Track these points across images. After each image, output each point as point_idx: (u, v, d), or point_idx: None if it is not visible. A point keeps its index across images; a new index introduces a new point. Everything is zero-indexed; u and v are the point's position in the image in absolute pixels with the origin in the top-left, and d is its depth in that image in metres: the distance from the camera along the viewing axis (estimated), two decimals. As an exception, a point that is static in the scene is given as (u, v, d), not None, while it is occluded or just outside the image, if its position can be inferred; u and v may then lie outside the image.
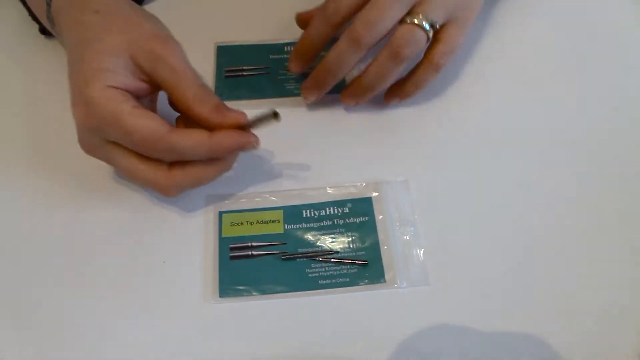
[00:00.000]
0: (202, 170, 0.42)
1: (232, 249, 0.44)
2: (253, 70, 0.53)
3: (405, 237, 0.45)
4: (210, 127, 0.41)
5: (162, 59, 0.41)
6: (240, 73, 0.53)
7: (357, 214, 0.46)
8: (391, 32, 0.45)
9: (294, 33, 0.52)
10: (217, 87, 0.52)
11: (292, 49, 0.50)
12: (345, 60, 0.46)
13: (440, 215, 0.46)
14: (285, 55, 0.54)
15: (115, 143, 0.42)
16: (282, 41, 0.55)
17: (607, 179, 0.47)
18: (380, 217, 0.45)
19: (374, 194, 0.46)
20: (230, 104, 0.45)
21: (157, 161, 0.42)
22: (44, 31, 0.54)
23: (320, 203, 0.46)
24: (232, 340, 0.41)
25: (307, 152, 0.49)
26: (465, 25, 0.48)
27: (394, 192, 0.46)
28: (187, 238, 0.45)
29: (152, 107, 0.46)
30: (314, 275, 0.43)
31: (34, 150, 0.49)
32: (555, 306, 0.42)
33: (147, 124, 0.40)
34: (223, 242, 0.45)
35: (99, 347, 0.41)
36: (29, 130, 0.50)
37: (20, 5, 0.54)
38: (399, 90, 0.49)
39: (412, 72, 0.49)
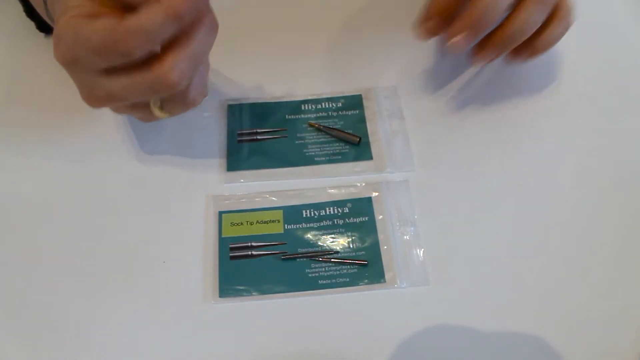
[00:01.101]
0: (191, 34, 0.38)
1: (232, 249, 0.44)
2: (268, 134, 0.50)
3: (405, 237, 0.45)
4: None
5: None
6: (254, 137, 0.50)
7: (357, 214, 0.46)
8: None
9: (311, 89, 0.52)
10: (229, 155, 0.49)
11: (309, 107, 0.50)
12: None
13: (440, 215, 0.46)
14: (302, 116, 0.51)
15: (102, 71, 0.39)
16: (298, 99, 0.52)
17: (607, 179, 0.47)
18: (380, 217, 0.45)
19: (374, 194, 0.46)
20: (245, 173, 0.47)
21: (147, 60, 0.39)
22: (42, 28, 0.54)
23: (320, 203, 0.46)
24: (232, 340, 0.41)
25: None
26: None
27: (393, 192, 0.46)
28: (187, 238, 0.45)
29: None
30: (314, 275, 0.43)
31: (33, 150, 0.49)
32: (555, 306, 0.42)
33: (99, 24, 0.37)
34: (223, 242, 0.44)
35: (98, 347, 0.41)
36: (28, 129, 0.50)
37: (19, 4, 0.54)
38: (530, 47, 0.46)
39: (544, 29, 0.46)
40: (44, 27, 0.54)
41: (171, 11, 0.37)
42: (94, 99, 0.41)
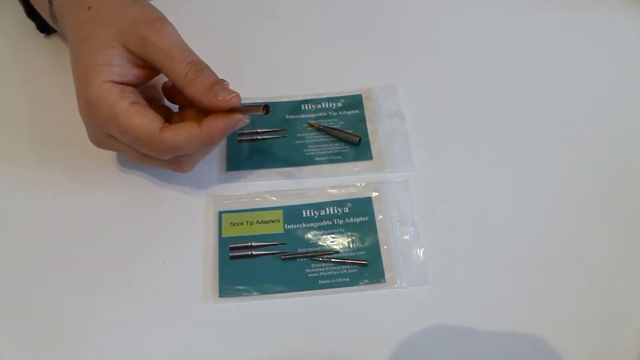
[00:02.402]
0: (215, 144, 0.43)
1: (232, 249, 0.44)
2: (268, 134, 0.50)
3: (405, 237, 0.45)
4: (203, 106, 0.41)
5: (149, 41, 0.41)
6: (254, 137, 0.50)
7: (357, 214, 0.46)
8: None
9: (312, 89, 0.52)
10: (229, 155, 0.49)
11: (309, 107, 0.50)
12: None
13: (440, 215, 0.45)
14: (302, 116, 0.51)
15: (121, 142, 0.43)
16: (298, 99, 0.52)
17: (607, 179, 0.47)
18: (380, 217, 0.45)
19: (374, 194, 0.46)
20: (245, 173, 0.47)
21: None
22: (42, 29, 0.54)
23: (320, 203, 0.46)
24: (232, 340, 0.41)
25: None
26: None
27: (394, 192, 0.46)
28: (187, 238, 0.45)
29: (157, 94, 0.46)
30: (314, 275, 0.43)
31: (33, 149, 0.49)
32: (556, 306, 0.42)
33: (139, 123, 0.40)
34: (223, 242, 0.44)
35: (98, 347, 0.41)
36: (28, 129, 0.50)
37: (19, 5, 0.54)
38: None
39: None
40: (45, 28, 0.54)
41: (208, 140, 0.41)
42: (101, 145, 0.44)
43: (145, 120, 0.40)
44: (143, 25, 0.41)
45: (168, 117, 0.44)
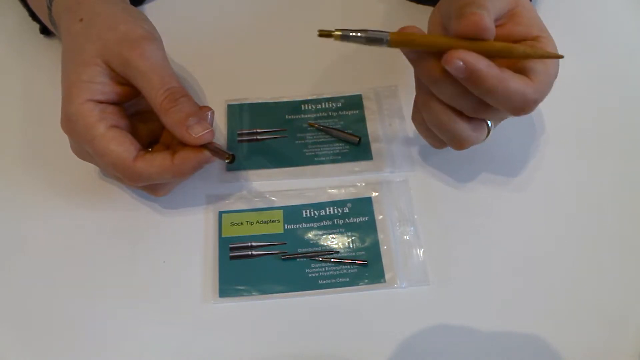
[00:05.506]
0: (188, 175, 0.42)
1: (232, 249, 0.44)
2: (268, 134, 0.50)
3: (405, 237, 0.45)
4: (176, 138, 0.41)
5: (130, 63, 0.40)
6: (254, 137, 0.50)
7: (357, 214, 0.46)
8: None
9: (312, 89, 0.52)
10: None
11: (309, 107, 0.50)
12: None
13: (440, 215, 0.46)
14: (302, 116, 0.50)
15: None
16: (298, 99, 0.52)
17: (607, 179, 0.47)
18: (380, 217, 0.45)
19: (374, 194, 0.46)
20: (245, 173, 0.47)
21: None
22: (44, 31, 0.54)
23: (320, 203, 0.46)
24: (232, 340, 0.41)
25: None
26: None
27: (393, 192, 0.46)
28: (187, 238, 0.45)
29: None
30: (313, 275, 0.43)
31: (34, 150, 0.49)
32: (555, 306, 0.42)
33: (114, 150, 0.40)
34: (223, 242, 0.44)
35: (99, 347, 0.41)
36: (28, 130, 0.50)
37: (20, 5, 0.54)
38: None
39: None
40: (47, 30, 0.54)
41: (179, 174, 0.41)
42: (82, 158, 0.44)
43: (120, 148, 0.40)
44: (126, 45, 0.41)
45: (161, 131, 0.45)
